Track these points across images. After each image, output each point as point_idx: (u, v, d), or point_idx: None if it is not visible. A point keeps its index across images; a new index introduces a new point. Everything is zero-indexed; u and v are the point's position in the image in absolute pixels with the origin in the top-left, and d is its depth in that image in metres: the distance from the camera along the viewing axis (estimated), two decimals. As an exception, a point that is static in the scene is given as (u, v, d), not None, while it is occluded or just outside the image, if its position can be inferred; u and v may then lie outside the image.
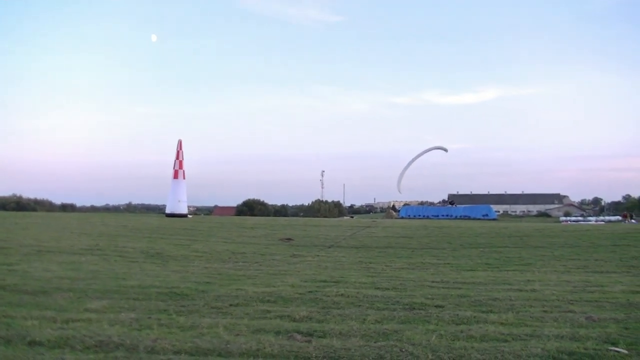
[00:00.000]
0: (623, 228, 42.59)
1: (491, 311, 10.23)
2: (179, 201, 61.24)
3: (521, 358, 7.04)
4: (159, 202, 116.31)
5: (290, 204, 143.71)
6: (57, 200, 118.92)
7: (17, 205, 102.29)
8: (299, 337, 8.04)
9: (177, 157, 62.24)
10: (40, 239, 26.96)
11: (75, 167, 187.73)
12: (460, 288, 13.23)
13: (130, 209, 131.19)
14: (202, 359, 7.13)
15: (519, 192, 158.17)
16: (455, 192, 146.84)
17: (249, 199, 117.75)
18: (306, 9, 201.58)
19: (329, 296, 11.75)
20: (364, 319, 9.40)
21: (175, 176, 61.90)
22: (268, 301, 11.28)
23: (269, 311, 10.16)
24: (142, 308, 10.42)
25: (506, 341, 7.86)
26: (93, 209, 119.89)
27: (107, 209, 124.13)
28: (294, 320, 9.43)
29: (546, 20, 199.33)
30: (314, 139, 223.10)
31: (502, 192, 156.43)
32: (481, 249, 25.81)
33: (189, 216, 62.58)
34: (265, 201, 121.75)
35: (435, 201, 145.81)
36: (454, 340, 7.91)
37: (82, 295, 11.73)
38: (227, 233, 35.60)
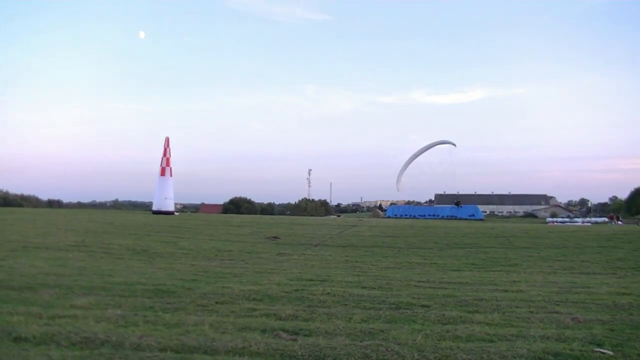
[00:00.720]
0: (609, 229, 42.75)
1: (477, 311, 10.28)
2: (166, 198, 60.98)
3: (507, 358, 7.08)
4: (145, 199, 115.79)
5: (276, 203, 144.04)
6: (44, 196, 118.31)
7: (4, 201, 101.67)
8: (284, 335, 8.06)
9: (164, 155, 61.98)
10: (26, 235, 26.84)
11: (62, 164, 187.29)
12: (446, 288, 13.28)
13: (116, 205, 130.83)
14: (188, 356, 7.14)
15: (505, 192, 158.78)
16: (442, 192, 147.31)
17: (236, 197, 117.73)
18: (293, 8, 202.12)
19: (315, 295, 11.78)
20: (350, 318, 9.43)
21: (162, 173, 61.63)
22: (254, 299, 11.30)
23: (255, 309, 10.18)
24: (128, 305, 10.41)
25: (492, 341, 7.90)
26: (80, 206, 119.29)
27: (93, 206, 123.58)
28: (280, 318, 9.45)
29: (534, 20, 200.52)
30: (301, 138, 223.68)
31: (489, 193, 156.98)
32: (467, 249, 25.89)
33: (176, 213, 62.31)
34: (252, 199, 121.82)
35: (422, 201, 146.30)
36: (440, 340, 7.95)
37: (68, 292, 11.71)
38: (214, 231, 35.53)
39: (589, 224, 70.33)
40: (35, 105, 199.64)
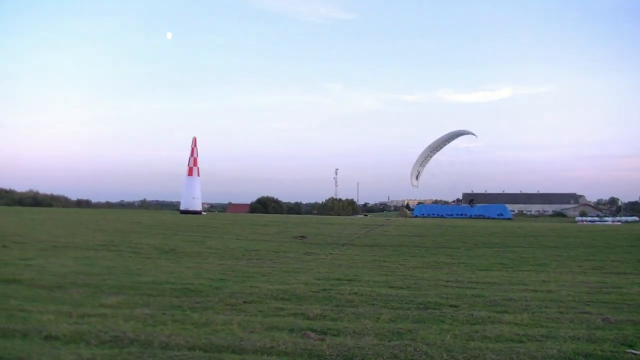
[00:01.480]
0: (640, 229, 42.26)
1: (506, 311, 10.18)
2: (193, 198, 61.33)
3: (537, 359, 7.01)
4: (173, 199, 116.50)
5: (303, 202, 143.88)
6: (73, 196, 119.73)
7: (34, 201, 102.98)
8: (312, 335, 8.04)
9: (192, 154, 62.36)
10: (56, 235, 27.12)
11: (90, 164, 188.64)
12: (474, 288, 13.18)
13: (144, 205, 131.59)
14: (216, 355, 7.14)
15: (534, 191, 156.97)
16: (469, 191, 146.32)
17: (263, 197, 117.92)
18: (317, 7, 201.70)
19: (342, 294, 11.74)
20: (378, 318, 9.38)
21: (190, 173, 62.02)
22: (282, 299, 11.29)
23: (282, 309, 10.17)
24: (156, 304, 10.47)
25: (521, 342, 7.82)
26: (108, 206, 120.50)
27: (122, 206, 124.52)
28: (308, 318, 9.43)
29: (560, 18, 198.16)
30: (328, 137, 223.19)
31: (517, 192, 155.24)
32: (496, 249, 25.70)
33: (203, 213, 62.64)
34: (279, 199, 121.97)
35: (450, 200, 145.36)
36: (468, 340, 7.88)
37: (97, 291, 11.80)
38: (241, 230, 35.64)
39: (619, 223, 69.45)
40: (62, 106, 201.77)
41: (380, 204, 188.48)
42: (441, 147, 36.36)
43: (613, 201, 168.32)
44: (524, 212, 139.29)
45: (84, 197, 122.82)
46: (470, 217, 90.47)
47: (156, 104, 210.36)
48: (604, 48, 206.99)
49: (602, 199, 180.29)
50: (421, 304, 10.86)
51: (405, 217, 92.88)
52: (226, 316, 9.34)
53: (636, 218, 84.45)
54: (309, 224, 43.61)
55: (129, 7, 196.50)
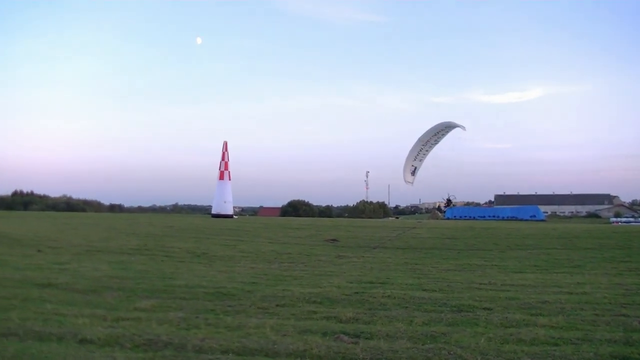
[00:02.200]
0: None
1: (541, 314, 10.06)
2: (225, 202, 61.67)
3: (572, 362, 6.92)
4: (204, 203, 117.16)
5: (334, 205, 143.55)
6: (106, 201, 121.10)
7: (67, 205, 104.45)
8: (345, 338, 8.02)
9: (223, 159, 62.72)
10: (89, 239, 27.43)
11: (122, 168, 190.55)
12: (508, 290, 13.04)
13: (176, 209, 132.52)
14: (250, 359, 7.16)
15: (567, 192, 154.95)
16: (501, 193, 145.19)
17: (294, 200, 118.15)
18: (347, 10, 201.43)
19: (375, 297, 11.70)
20: (411, 321, 9.33)
21: (221, 177, 62.38)
22: (314, 302, 11.29)
23: (315, 312, 10.16)
24: (189, 307, 10.52)
25: (557, 345, 7.73)
26: (140, 210, 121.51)
27: (154, 210, 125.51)
28: (341, 321, 9.41)
29: (591, 17, 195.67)
30: (358, 139, 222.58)
31: (550, 193, 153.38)
32: (529, 251, 25.42)
33: (235, 217, 62.88)
34: (310, 202, 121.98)
35: (482, 202, 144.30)
36: (503, 343, 7.80)
37: (131, 295, 11.90)
38: (273, 233, 35.70)
39: (655, 223, 68.37)
40: (94, 111, 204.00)
41: (412, 206, 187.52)
42: (436, 141, 35.38)
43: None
44: (557, 213, 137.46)
45: (117, 202, 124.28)
46: (503, 218, 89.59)
47: (187, 109, 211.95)
48: (636, 45, 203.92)
49: (637, 200, 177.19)
50: (454, 306, 10.79)
51: (437, 219, 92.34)
52: (259, 319, 9.36)
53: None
54: (340, 227, 43.52)
55: (160, 12, 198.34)
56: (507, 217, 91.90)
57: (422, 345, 7.68)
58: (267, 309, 10.43)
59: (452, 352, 7.25)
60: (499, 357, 7.09)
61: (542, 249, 26.57)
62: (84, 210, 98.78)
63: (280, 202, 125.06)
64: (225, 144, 63.43)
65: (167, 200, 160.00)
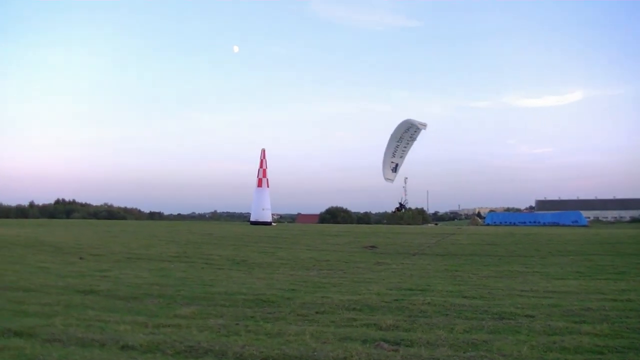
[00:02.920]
0: None
1: (584, 322, 9.86)
2: (263, 209, 61.95)
3: (619, 371, 6.78)
4: (243, 210, 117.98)
5: (373, 212, 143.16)
6: (146, 208, 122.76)
7: (108, 213, 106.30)
8: (386, 345, 7.96)
9: (261, 166, 63.08)
10: (130, 247, 27.76)
11: (162, 177, 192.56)
12: (551, 297, 12.82)
13: (215, 217, 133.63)
14: (290, 366, 7.15)
15: (610, 197, 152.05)
16: (542, 198, 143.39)
17: (332, 207, 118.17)
18: (381, 16, 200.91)
19: (415, 304, 11.60)
20: (452, 328, 9.23)
21: (259, 184, 62.71)
22: (354, 309, 11.23)
23: (355, 319, 10.11)
24: (229, 314, 10.55)
25: (602, 353, 7.57)
26: (180, 217, 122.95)
27: (193, 217, 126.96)
28: (381, 328, 9.35)
29: (633, 17, 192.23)
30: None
31: (592, 197, 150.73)
32: (571, 257, 25.02)
33: (273, 224, 63.16)
34: (348, 208, 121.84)
35: (522, 207, 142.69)
36: (546, 351, 7.67)
37: (172, 302, 11.99)
38: (311, 240, 35.73)
39: (702, 229, 66.73)
40: (134, 120, 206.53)
41: (451, 213, 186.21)
42: (411, 137, 34.90)
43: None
44: (600, 218, 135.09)
45: (157, 210, 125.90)
46: (544, 224, 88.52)
47: (225, 117, 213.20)
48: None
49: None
50: (496, 314, 10.65)
51: (477, 225, 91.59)
52: (299, 327, 9.34)
53: None
54: (379, 234, 43.43)
55: (196, 21, 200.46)
56: (549, 222, 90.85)
57: (464, 353, 7.59)
58: (306, 316, 10.41)
59: (494, 360, 7.15)
60: (543, 366, 6.97)
61: (584, 255, 26.12)
62: (124, 218, 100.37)
63: (318, 209, 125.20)
64: (263, 152, 63.82)
65: (206, 208, 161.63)
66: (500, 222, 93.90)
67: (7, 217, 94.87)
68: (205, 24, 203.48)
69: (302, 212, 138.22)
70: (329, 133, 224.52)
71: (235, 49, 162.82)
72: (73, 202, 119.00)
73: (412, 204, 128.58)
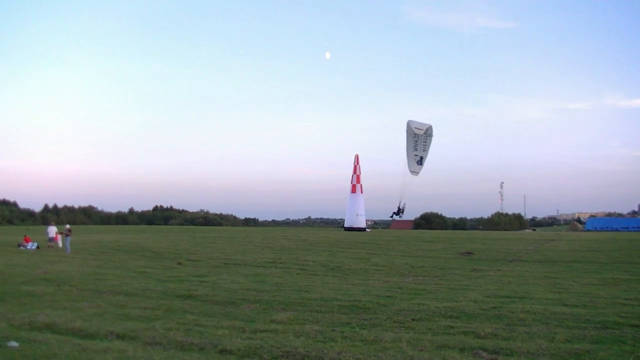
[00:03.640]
0: None
1: (696, 332, 9.39)
2: (357, 215, 61.90)
3: None
4: (337, 216, 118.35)
5: (468, 217, 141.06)
6: (241, 215, 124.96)
7: (205, 220, 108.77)
8: (484, 354, 7.77)
9: (355, 172, 63.10)
10: (226, 252, 28.32)
11: (256, 183, 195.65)
12: (658, 306, 12.28)
13: (309, 223, 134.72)
14: (387, 373, 7.07)
15: None
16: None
17: (427, 212, 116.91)
18: (474, 18, 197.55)
19: (514, 312, 11.33)
20: (553, 338, 8.93)
21: (353, 190, 62.72)
22: (451, 316, 11.05)
23: (452, 327, 9.94)
24: (325, 320, 10.56)
25: None
26: (274, 224, 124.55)
27: (287, 224, 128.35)
28: (479, 336, 9.14)
29: None
30: (490, 150, 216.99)
31: None
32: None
33: (367, 230, 63.05)
34: (443, 214, 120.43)
35: (624, 212, 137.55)
36: (654, 363, 7.32)
37: (268, 307, 12.11)
38: (405, 247, 35.53)
39: None
40: (231, 128, 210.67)
41: (549, 218, 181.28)
42: (427, 134, 33.93)
43: None
44: None
45: (251, 216, 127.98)
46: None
47: (318, 123, 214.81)
48: None
49: None
50: (599, 323, 10.26)
51: (577, 231, 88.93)
52: (395, 333, 9.24)
53: None
54: (474, 240, 42.76)
55: (290, 29, 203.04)
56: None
57: (566, 363, 7.33)
58: (402, 323, 10.31)
59: (599, 371, 6.88)
60: (653, 378, 6.65)
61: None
62: (220, 224, 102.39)
63: (413, 214, 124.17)
64: (357, 157, 63.87)
65: (300, 214, 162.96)
66: (602, 228, 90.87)
67: (109, 223, 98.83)
68: (298, 31, 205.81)
69: (397, 218, 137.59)
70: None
71: (327, 55, 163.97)
72: (170, 209, 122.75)
73: (508, 209, 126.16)
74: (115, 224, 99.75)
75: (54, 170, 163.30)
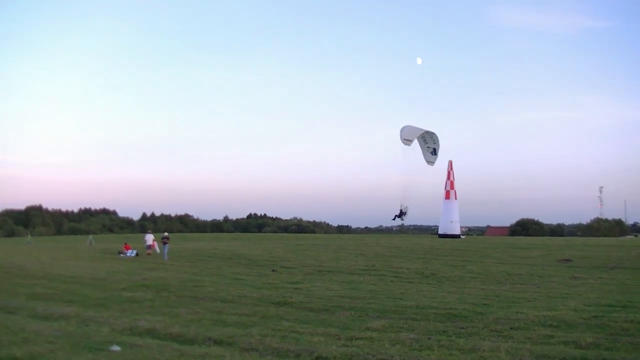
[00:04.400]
0: None
1: None
2: (451, 222, 61.12)
3: None
4: (430, 223, 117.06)
5: (566, 223, 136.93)
6: (334, 222, 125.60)
7: (298, 227, 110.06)
8: (587, 365, 7.53)
9: (448, 178, 62.34)
10: (320, 260, 28.50)
11: (350, 191, 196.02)
12: None
13: (402, 230, 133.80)
14: (485, 383, 6.95)
15: None
16: None
17: (523, 218, 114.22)
18: (563, 17, 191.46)
19: (616, 322, 10.92)
20: (659, 349, 8.57)
21: (447, 197, 61.99)
22: (550, 325, 10.77)
23: (551, 336, 9.68)
24: (420, 328, 10.48)
25: None
26: (367, 231, 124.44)
27: (380, 231, 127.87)
28: (580, 347, 8.86)
29: None
30: (589, 153, 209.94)
31: None
32: None
33: (462, 237, 62.15)
34: (540, 220, 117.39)
35: None
36: None
37: (362, 314, 12.12)
38: (501, 254, 34.82)
39: None
40: (318, 137, 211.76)
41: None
42: (429, 132, 33.34)
43: None
44: None
45: (344, 223, 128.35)
46: None
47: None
48: None
49: None
50: None
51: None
52: (493, 343, 9.08)
53: None
54: (573, 247, 41.48)
55: (380, 36, 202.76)
56: None
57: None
58: (500, 332, 10.11)
59: None
60: None
61: None
62: (313, 231, 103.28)
63: (509, 221, 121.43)
64: (450, 163, 63.04)
65: (393, 222, 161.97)
66: None
67: (204, 231, 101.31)
68: (392, 37, 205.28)
69: (492, 225, 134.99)
70: (518, 142, 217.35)
71: (419, 60, 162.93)
72: (264, 217, 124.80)
73: (608, 215, 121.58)
74: (211, 231, 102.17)
75: (151, 179, 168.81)
